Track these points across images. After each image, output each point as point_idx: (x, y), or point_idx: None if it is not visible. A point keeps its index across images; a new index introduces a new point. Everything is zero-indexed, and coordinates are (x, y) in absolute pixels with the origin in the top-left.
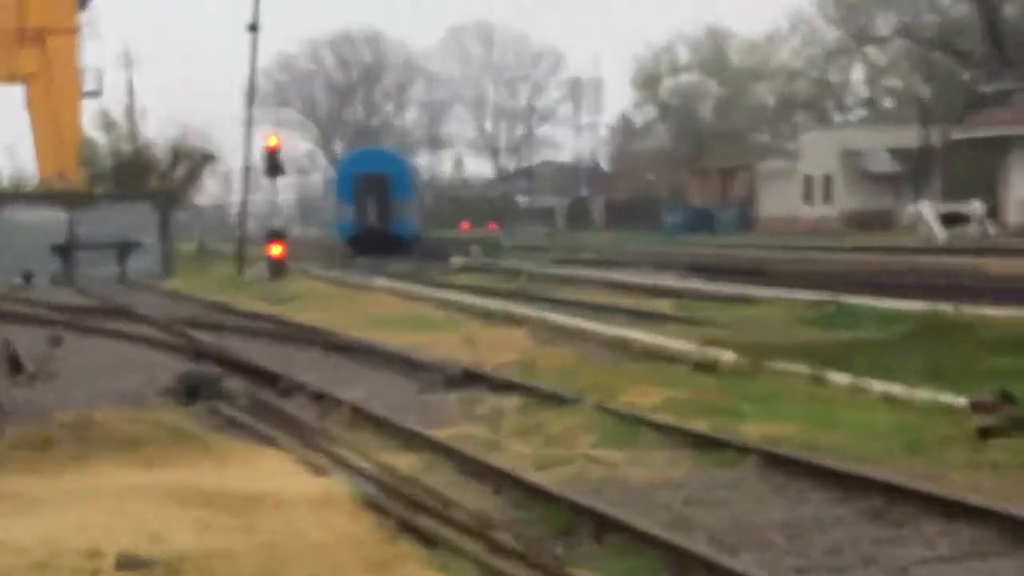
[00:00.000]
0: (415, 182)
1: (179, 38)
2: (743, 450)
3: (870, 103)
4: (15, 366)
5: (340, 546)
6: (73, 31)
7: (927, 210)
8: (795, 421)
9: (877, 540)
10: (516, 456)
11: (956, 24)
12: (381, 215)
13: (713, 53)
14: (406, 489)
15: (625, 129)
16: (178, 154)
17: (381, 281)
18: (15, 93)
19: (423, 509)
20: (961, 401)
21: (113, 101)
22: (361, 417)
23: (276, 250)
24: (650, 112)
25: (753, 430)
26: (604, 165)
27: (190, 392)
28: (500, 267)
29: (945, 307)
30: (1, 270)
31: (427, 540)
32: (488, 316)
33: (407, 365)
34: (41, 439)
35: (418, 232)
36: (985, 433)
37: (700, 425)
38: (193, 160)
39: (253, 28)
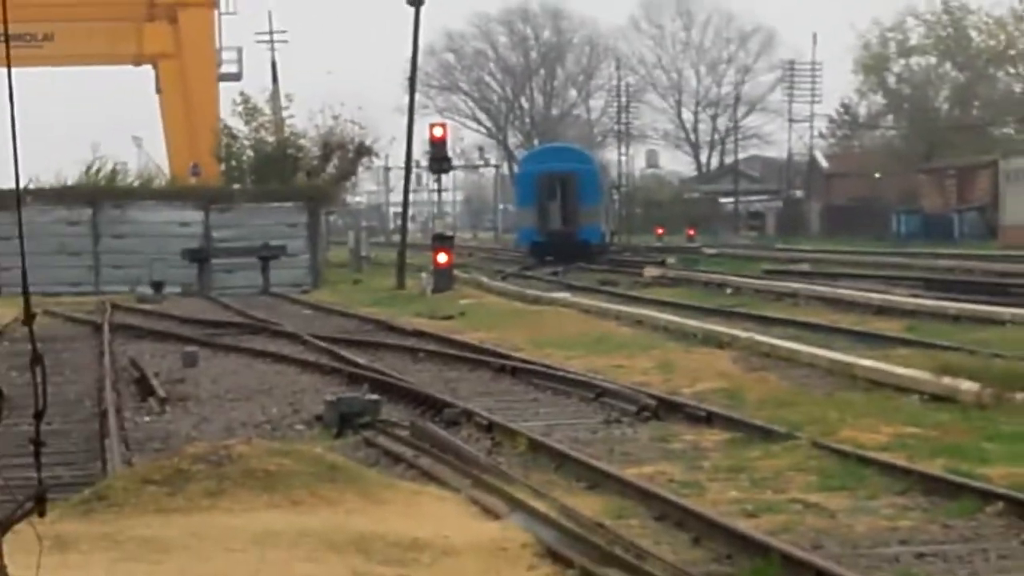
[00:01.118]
0: (603, 182)
1: (330, 14)
2: (985, 496)
3: None
4: (144, 389)
5: None
6: (210, 5)
7: None
8: None
9: None
10: (719, 500)
11: None
12: (566, 219)
13: (951, 32)
14: (592, 537)
15: (847, 120)
16: (329, 146)
17: (562, 294)
18: (145, 76)
19: (613, 560)
20: None
21: (254, 85)
22: (539, 452)
23: (442, 258)
24: (876, 101)
25: (997, 473)
26: (822, 162)
27: (342, 421)
28: (700, 280)
29: None
30: (127, 279)
31: None
32: (686, 336)
33: (592, 392)
34: (172, 473)
35: (607, 238)
36: None
37: (935, 467)
38: (346, 153)
39: (415, 2)
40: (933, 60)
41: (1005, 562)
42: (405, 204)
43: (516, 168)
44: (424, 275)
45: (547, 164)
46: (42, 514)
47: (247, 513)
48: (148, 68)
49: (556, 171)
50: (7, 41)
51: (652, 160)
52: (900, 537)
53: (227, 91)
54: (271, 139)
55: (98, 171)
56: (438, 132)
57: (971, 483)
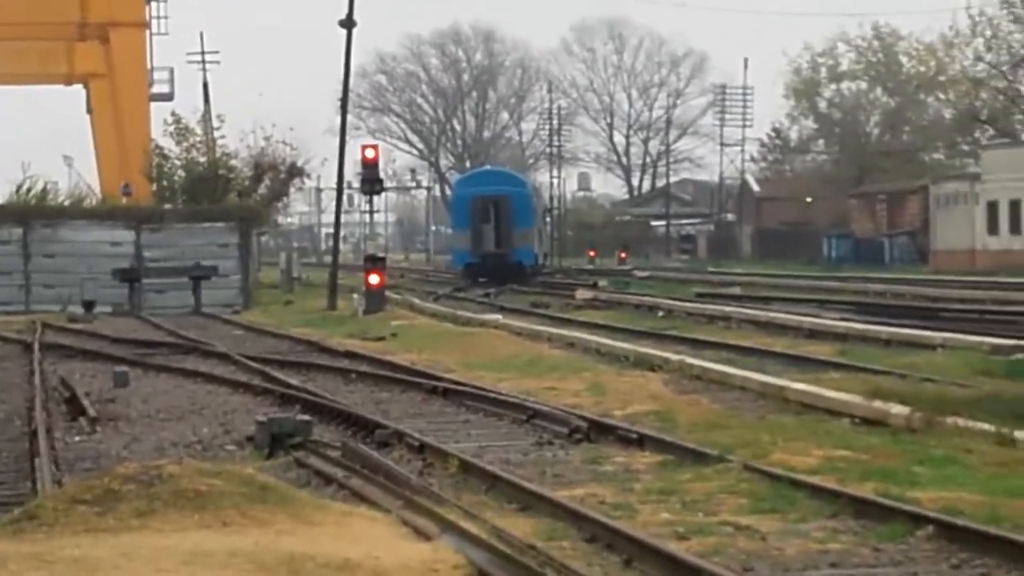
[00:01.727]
0: (537, 205)
1: (262, 35)
2: (916, 520)
3: None
4: (75, 409)
5: None
6: (142, 25)
7: None
8: (976, 487)
9: None
10: (651, 522)
11: None
12: (500, 241)
13: (881, 57)
14: (523, 559)
15: (778, 145)
16: (261, 167)
17: (494, 316)
18: (76, 95)
19: None
20: None
21: (186, 106)
22: (471, 473)
23: (374, 279)
24: (807, 126)
25: (928, 497)
26: (753, 186)
27: (273, 442)
28: (632, 302)
29: None
30: (58, 298)
31: None
32: (618, 359)
33: (524, 414)
34: (102, 493)
35: (540, 260)
36: None
37: (865, 490)
38: (278, 174)
39: (348, 23)
40: (864, 85)
41: None
42: (337, 225)
43: (448, 190)
44: (356, 296)
45: (481, 187)
46: None
47: (177, 533)
48: (79, 87)
49: (490, 194)
50: None
51: (584, 183)
52: (830, 560)
53: (159, 111)
54: (203, 159)
55: (29, 190)
56: (370, 154)
57: (902, 507)
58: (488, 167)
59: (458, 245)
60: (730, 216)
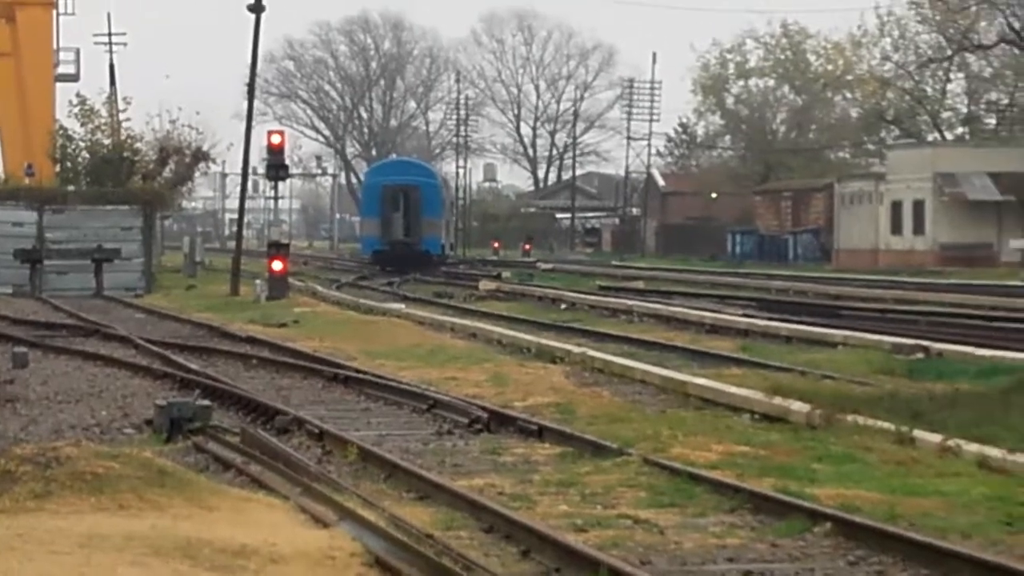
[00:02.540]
0: (446, 196)
1: (170, 18)
2: (814, 516)
3: (970, 120)
4: None
5: None
6: (49, 5)
7: None
8: (875, 485)
9: None
10: (549, 514)
11: None
12: (409, 230)
13: (789, 55)
14: (421, 548)
15: (685, 140)
16: (166, 150)
17: (397, 305)
18: None
19: (440, 571)
20: None
21: (92, 87)
22: (370, 461)
23: (277, 265)
24: (714, 121)
25: (826, 494)
26: (659, 180)
27: (172, 426)
28: (535, 294)
29: None
30: None
31: None
32: (520, 350)
33: (424, 403)
34: None
35: (447, 250)
36: None
37: (764, 486)
38: (183, 158)
39: (256, 8)
40: (771, 82)
41: None
42: (241, 210)
43: (354, 178)
44: (259, 282)
45: (392, 176)
46: None
47: (74, 516)
48: None
49: (401, 183)
50: None
51: (490, 174)
52: (728, 555)
53: (64, 92)
54: (107, 141)
55: None
56: (276, 139)
57: (800, 503)
58: (400, 157)
59: (368, 232)
60: (635, 210)
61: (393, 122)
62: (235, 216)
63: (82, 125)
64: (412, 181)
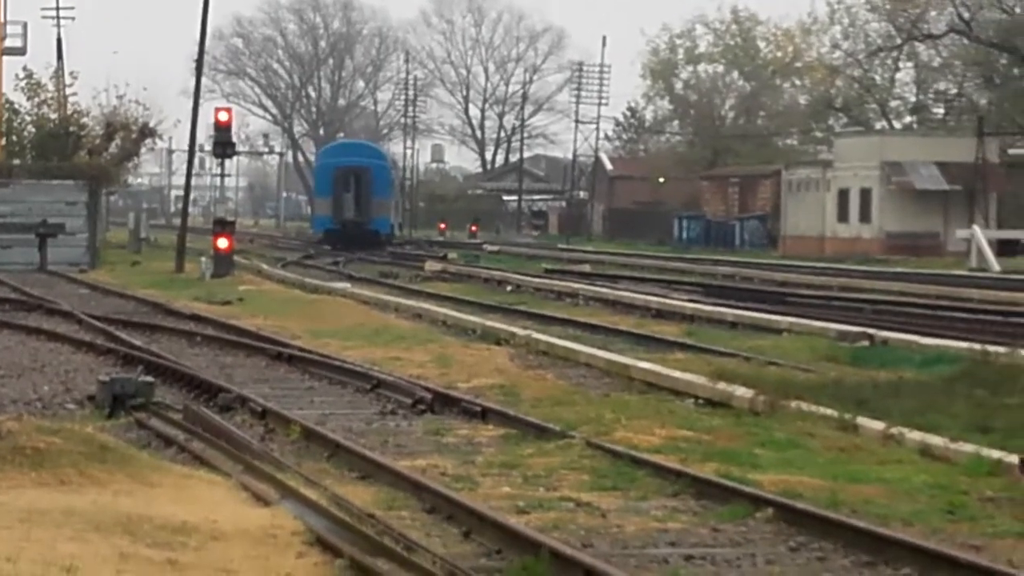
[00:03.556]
0: (395, 177)
1: None
2: (756, 502)
3: (918, 109)
4: None
5: None
6: None
7: (980, 236)
8: (817, 472)
9: None
10: (491, 495)
11: (1021, 22)
12: (359, 209)
13: (739, 41)
14: (362, 527)
15: (633, 124)
16: (112, 126)
17: (342, 284)
18: None
19: (382, 551)
20: (1012, 459)
21: (39, 61)
22: (313, 440)
23: (223, 243)
24: (663, 106)
25: (768, 480)
26: (607, 164)
27: (114, 402)
28: (481, 276)
29: (996, 349)
30: None
31: None
32: (465, 332)
33: (368, 383)
34: None
35: (396, 230)
36: None
37: (707, 471)
38: (130, 134)
39: None
40: (720, 68)
41: (772, 567)
42: (187, 187)
43: (301, 157)
44: (204, 259)
45: (344, 158)
46: None
47: (13, 490)
48: None
49: (352, 165)
50: None
51: (438, 155)
52: (670, 539)
53: (11, 66)
54: (54, 116)
55: None
56: (223, 117)
57: (742, 488)
58: (352, 140)
59: (319, 212)
60: (582, 194)
61: (341, 101)
62: (181, 193)
63: (28, 99)
64: (363, 163)
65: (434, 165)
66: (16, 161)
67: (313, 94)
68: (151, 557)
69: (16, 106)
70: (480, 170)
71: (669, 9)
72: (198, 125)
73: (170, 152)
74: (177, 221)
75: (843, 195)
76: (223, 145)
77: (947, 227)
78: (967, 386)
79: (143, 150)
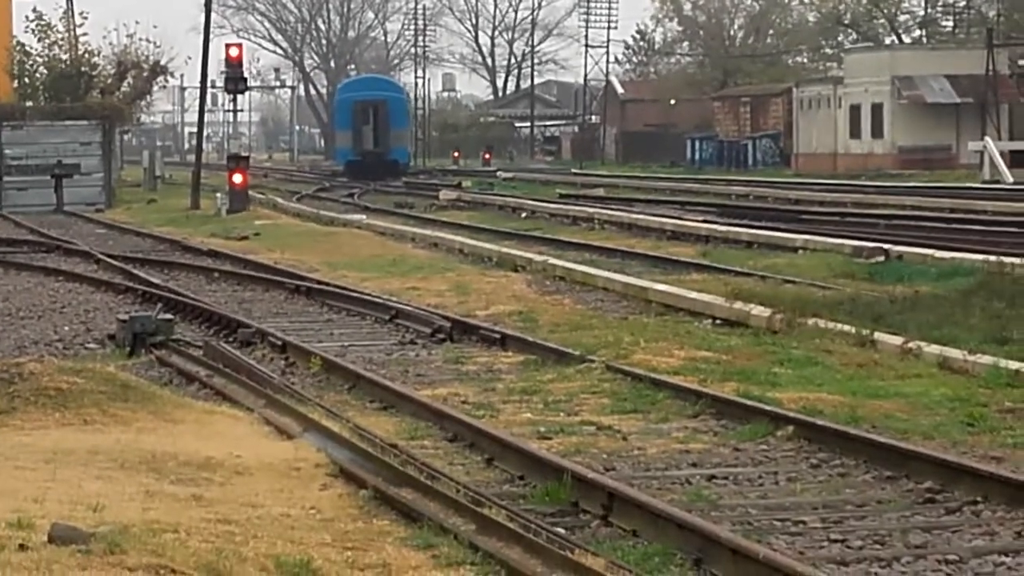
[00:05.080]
0: (411, 109)
1: None
2: (776, 420)
3: (927, 22)
4: None
5: (306, 521)
6: None
7: (992, 147)
8: (836, 388)
9: (929, 527)
10: (513, 422)
11: None
12: (378, 141)
13: None
14: (385, 457)
15: (643, 47)
16: (124, 65)
17: (358, 216)
18: None
19: (404, 480)
20: None
21: (48, 3)
22: (333, 373)
23: (238, 178)
24: (672, 28)
25: (788, 398)
26: (618, 88)
27: (135, 341)
28: (496, 203)
29: (1012, 260)
30: None
31: (408, 516)
32: (482, 260)
33: (387, 313)
34: None
35: (412, 159)
36: None
37: (726, 390)
38: (141, 72)
39: None
40: None
41: (794, 484)
42: (200, 124)
43: (312, 90)
44: (219, 195)
45: (362, 92)
46: None
47: (38, 431)
48: None
49: (370, 98)
50: None
51: (449, 84)
52: (691, 460)
53: (20, 8)
54: (65, 57)
55: None
56: (234, 52)
57: (762, 407)
58: (369, 74)
59: (340, 144)
60: (594, 118)
61: (351, 33)
62: (194, 130)
63: (39, 41)
64: (380, 96)
65: (446, 94)
66: (29, 103)
67: (323, 27)
68: (176, 494)
69: (27, 48)
70: (492, 98)
71: None
72: (209, 61)
73: (182, 89)
74: (191, 158)
75: (855, 111)
76: (235, 81)
77: (959, 140)
78: (983, 298)
79: (155, 88)
